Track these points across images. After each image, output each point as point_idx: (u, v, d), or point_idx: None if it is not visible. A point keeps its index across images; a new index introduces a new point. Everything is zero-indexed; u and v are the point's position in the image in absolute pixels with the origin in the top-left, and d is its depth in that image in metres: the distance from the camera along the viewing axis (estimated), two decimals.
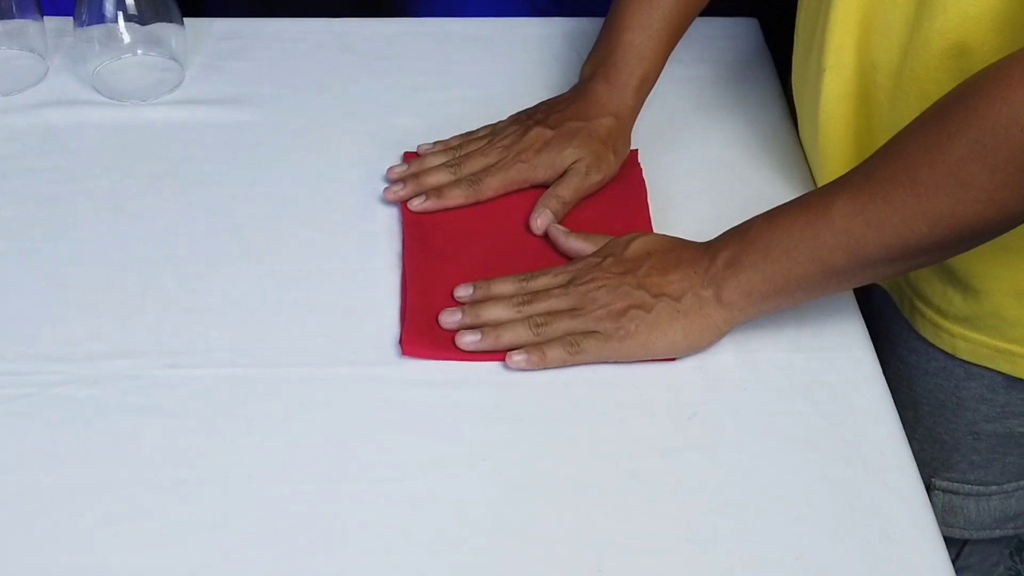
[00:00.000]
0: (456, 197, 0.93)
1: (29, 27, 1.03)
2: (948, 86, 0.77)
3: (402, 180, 0.95)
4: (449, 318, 0.84)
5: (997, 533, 1.01)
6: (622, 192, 0.95)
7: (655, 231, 0.91)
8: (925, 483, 0.99)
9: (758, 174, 0.96)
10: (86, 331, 0.83)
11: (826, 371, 0.83)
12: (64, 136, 0.99)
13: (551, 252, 0.90)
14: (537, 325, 0.82)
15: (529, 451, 0.77)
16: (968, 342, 0.90)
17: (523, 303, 0.84)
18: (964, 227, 0.73)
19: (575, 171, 0.94)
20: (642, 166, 0.97)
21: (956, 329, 0.91)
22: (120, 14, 1.01)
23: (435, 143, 0.98)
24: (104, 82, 1.03)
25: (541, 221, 0.91)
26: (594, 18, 1.13)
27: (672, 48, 0.99)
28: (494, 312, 0.84)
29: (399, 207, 0.93)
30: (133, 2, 1.01)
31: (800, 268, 0.78)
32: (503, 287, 0.86)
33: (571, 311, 0.83)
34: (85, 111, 1.01)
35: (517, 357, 0.82)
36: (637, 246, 0.85)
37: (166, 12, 1.02)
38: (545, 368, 0.82)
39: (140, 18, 1.02)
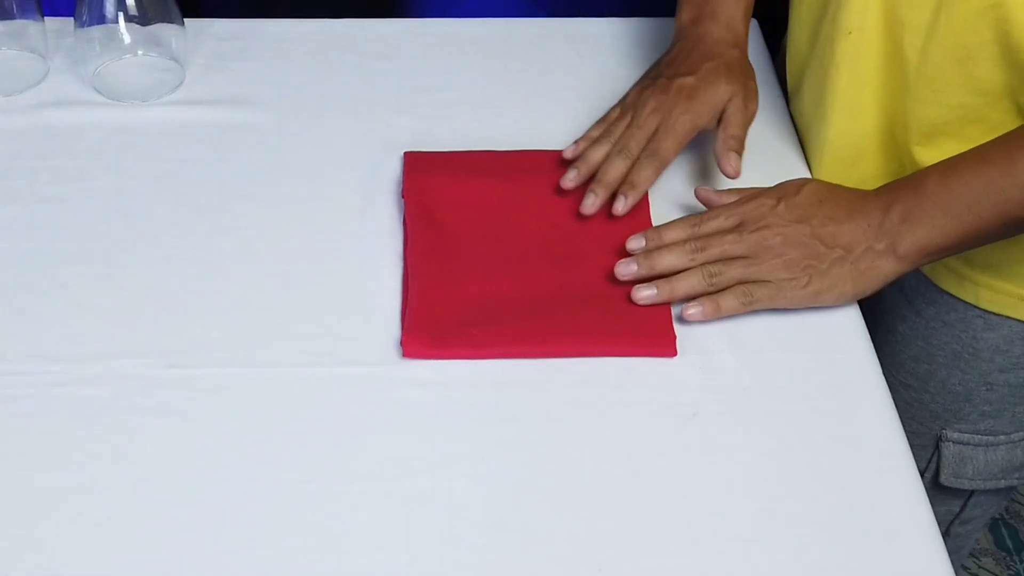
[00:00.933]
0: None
1: (30, 28, 1.03)
2: (987, 37, 0.78)
3: (579, 183, 0.92)
4: (624, 269, 0.85)
5: (1003, 483, 1.03)
6: None
7: None
8: (936, 435, 0.99)
9: (758, 172, 0.95)
10: (86, 331, 0.83)
11: (826, 371, 0.83)
12: (64, 136, 0.99)
13: (556, 249, 0.89)
14: (711, 275, 0.84)
15: (529, 451, 0.77)
16: (992, 291, 0.92)
17: (696, 249, 0.85)
18: None
19: (734, 106, 0.94)
20: None
21: (981, 278, 0.92)
22: (121, 15, 1.01)
23: (577, 142, 0.95)
24: (104, 82, 1.03)
25: (734, 166, 0.92)
26: (594, 18, 1.14)
27: None
28: (668, 260, 0.85)
29: (400, 207, 0.93)
30: (134, 3, 1.01)
31: (981, 222, 0.80)
32: (674, 233, 0.87)
33: (744, 258, 0.84)
34: (85, 111, 1.01)
35: (692, 310, 0.84)
36: (809, 192, 0.86)
37: (166, 13, 1.02)
38: (719, 318, 0.83)
39: (140, 19, 1.02)
